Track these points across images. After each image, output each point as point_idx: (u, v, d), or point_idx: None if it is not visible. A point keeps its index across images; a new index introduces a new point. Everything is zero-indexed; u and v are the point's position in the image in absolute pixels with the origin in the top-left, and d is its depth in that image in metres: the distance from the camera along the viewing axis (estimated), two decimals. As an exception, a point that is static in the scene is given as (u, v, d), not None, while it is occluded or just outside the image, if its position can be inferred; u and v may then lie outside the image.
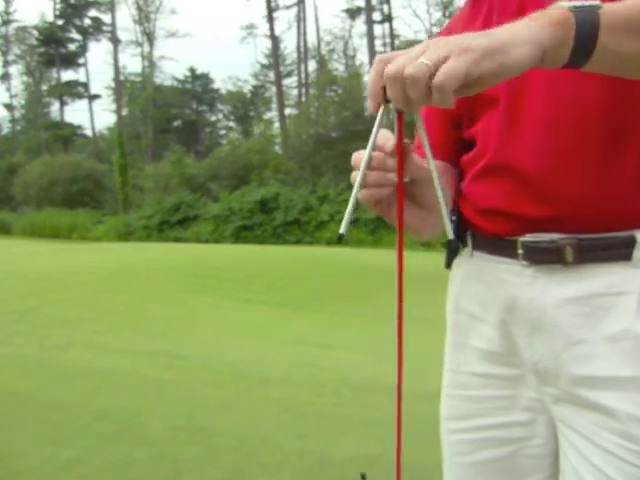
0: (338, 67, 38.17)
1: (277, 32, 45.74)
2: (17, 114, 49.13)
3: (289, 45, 74.98)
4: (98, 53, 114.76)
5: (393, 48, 33.94)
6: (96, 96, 45.91)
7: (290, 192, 22.81)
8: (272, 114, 41.27)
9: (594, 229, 0.82)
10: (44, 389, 3.53)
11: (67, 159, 32.45)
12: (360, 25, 46.65)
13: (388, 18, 37.05)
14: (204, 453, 2.73)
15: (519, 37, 0.62)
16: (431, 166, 0.68)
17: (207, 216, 23.11)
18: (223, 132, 45.44)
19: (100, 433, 2.89)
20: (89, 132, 45.51)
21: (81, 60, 45.41)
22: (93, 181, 31.56)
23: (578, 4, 0.66)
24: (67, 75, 53.57)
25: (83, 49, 45.48)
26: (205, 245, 17.99)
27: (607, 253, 0.82)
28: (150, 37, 43.09)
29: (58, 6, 44.02)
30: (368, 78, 0.65)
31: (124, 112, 41.97)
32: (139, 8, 42.63)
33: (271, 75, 42.58)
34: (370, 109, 0.65)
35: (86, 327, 5.31)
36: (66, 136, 41.87)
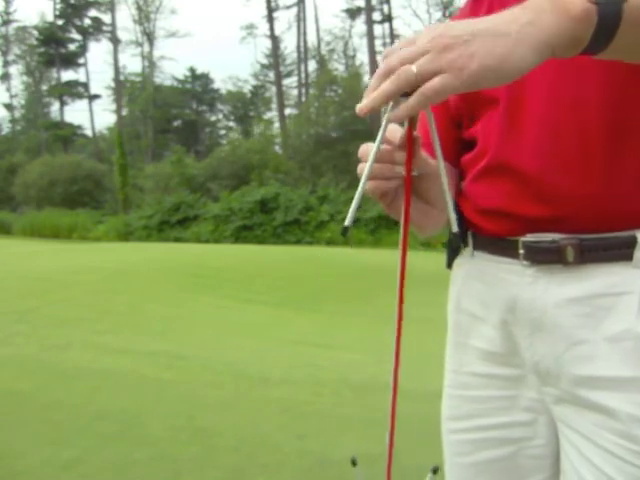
0: (338, 67, 38.22)
1: (277, 32, 45.86)
2: (17, 114, 49.17)
3: (289, 45, 75.10)
4: (98, 53, 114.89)
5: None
6: (96, 96, 45.96)
7: (290, 192, 22.82)
8: (272, 114, 41.32)
9: (595, 229, 0.82)
10: (44, 389, 3.53)
11: (67, 159, 32.46)
12: (360, 25, 46.71)
13: (388, 18, 37.06)
14: (204, 453, 2.73)
15: (526, 40, 0.60)
16: (438, 153, 0.69)
17: (207, 216, 23.12)
18: (223, 132, 45.49)
19: (100, 433, 2.89)
20: (89, 132, 45.57)
21: (81, 60, 45.45)
22: (93, 181, 31.57)
23: None
24: (67, 75, 53.67)
25: (83, 49, 45.50)
26: (205, 245, 18.00)
27: (608, 253, 0.81)
28: (150, 37, 43.10)
29: (58, 6, 44.05)
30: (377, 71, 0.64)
31: (124, 112, 41.97)
32: (139, 8, 42.65)
33: (271, 75, 42.60)
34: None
35: (86, 327, 5.31)
36: (66, 136, 41.87)
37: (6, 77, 47.14)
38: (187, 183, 26.93)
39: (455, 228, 0.72)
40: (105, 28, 44.67)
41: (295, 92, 41.09)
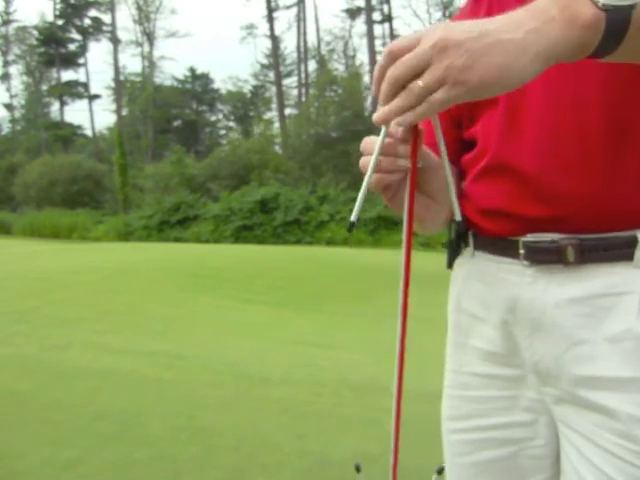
0: (338, 67, 38.21)
1: (277, 32, 45.87)
2: (17, 114, 49.17)
3: (289, 45, 75.05)
4: (98, 53, 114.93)
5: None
6: (96, 96, 45.95)
7: (290, 192, 22.81)
8: (272, 114, 41.31)
9: (596, 229, 0.82)
10: (44, 389, 3.53)
11: (67, 159, 32.45)
12: (360, 25, 46.71)
13: (388, 18, 37.06)
14: (204, 453, 2.73)
15: (530, 50, 0.61)
16: (440, 141, 0.70)
17: (207, 216, 23.11)
18: (223, 132, 45.49)
19: (100, 433, 2.89)
20: (89, 132, 45.57)
21: (81, 60, 45.45)
22: (93, 181, 31.57)
23: (617, 2, 0.60)
24: (67, 75, 53.71)
25: (83, 49, 45.50)
26: (205, 245, 17.99)
27: (609, 253, 0.81)
28: (150, 37, 43.10)
29: (58, 6, 44.05)
30: (376, 67, 0.67)
31: (124, 112, 41.97)
32: (139, 8, 42.65)
33: (271, 75, 42.59)
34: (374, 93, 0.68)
35: (86, 327, 5.31)
36: (66, 136, 41.88)
37: (6, 77, 47.17)
38: (187, 183, 26.92)
39: (459, 216, 0.73)
40: (105, 28, 44.71)
41: (295, 92, 41.12)
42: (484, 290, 0.94)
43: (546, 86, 0.83)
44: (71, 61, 45.17)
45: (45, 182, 30.34)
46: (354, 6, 39.90)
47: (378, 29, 37.28)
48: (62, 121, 44.14)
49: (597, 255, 0.82)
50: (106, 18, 44.26)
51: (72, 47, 45.58)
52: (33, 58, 46.02)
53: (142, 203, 26.60)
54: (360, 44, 44.48)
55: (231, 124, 45.27)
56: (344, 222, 20.92)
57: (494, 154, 0.89)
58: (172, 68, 63.64)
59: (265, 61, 44.54)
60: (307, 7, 58.99)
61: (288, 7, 39.18)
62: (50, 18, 44.52)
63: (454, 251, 1.01)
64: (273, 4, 37.72)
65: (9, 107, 48.08)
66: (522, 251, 0.87)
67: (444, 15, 35.08)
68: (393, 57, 0.64)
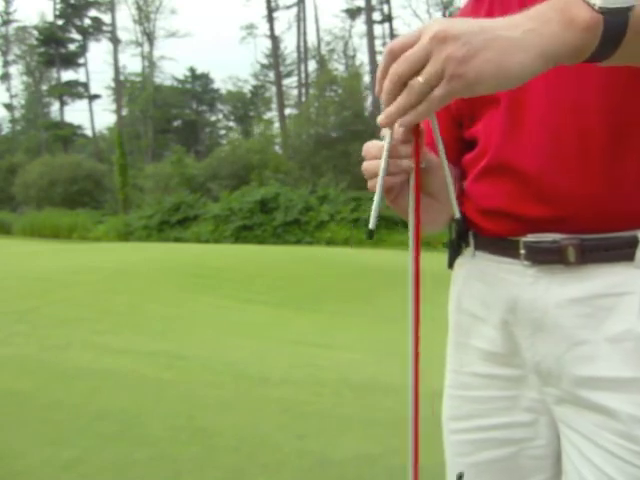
0: (338, 67, 38.25)
1: (277, 32, 45.90)
2: (17, 114, 49.19)
3: (289, 45, 75.16)
4: (98, 53, 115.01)
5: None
6: (96, 96, 45.99)
7: (290, 192, 22.83)
8: (272, 114, 41.35)
9: (596, 229, 0.82)
10: (44, 389, 3.52)
11: (67, 159, 32.48)
12: (360, 25, 46.77)
13: (388, 18, 37.09)
14: (204, 453, 2.73)
15: (527, 48, 0.61)
16: (437, 140, 0.71)
17: (207, 216, 23.13)
18: (223, 132, 45.53)
19: (100, 433, 2.89)
20: (89, 132, 45.61)
21: (81, 60, 45.48)
22: (93, 181, 31.59)
23: (613, 5, 0.61)
24: (67, 75, 53.71)
25: (83, 49, 45.53)
26: (205, 245, 18.00)
27: (610, 253, 0.81)
28: (150, 37, 43.12)
29: (58, 6, 44.09)
30: (378, 67, 0.67)
31: (124, 112, 41.98)
32: (139, 8, 42.68)
33: (271, 75, 42.61)
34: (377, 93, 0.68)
35: (86, 327, 5.31)
36: (66, 136, 41.90)
37: (6, 77, 47.19)
38: (187, 183, 26.94)
39: (457, 214, 0.73)
40: (105, 28, 44.75)
41: (295, 92, 41.15)
42: (484, 290, 0.94)
43: (548, 89, 0.83)
44: (71, 61, 45.20)
45: (45, 182, 30.36)
46: (354, 6, 39.94)
47: (378, 29, 37.34)
48: (62, 121, 44.15)
49: (598, 255, 0.82)
50: (106, 18, 44.37)
51: (72, 47, 45.64)
52: (33, 58, 46.04)
53: (142, 203, 26.61)
54: (360, 44, 44.56)
55: (231, 124, 45.33)
56: (344, 222, 20.94)
57: (495, 154, 0.89)
58: (172, 68, 63.82)
59: (265, 61, 44.60)
60: (307, 7, 59.07)
61: (288, 7, 39.23)
62: (50, 18, 44.63)
63: (455, 251, 1.01)
64: (273, 4, 37.77)
65: (9, 107, 48.12)
66: (523, 251, 0.87)
67: (444, 15, 35.10)
68: (394, 55, 0.64)
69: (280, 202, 22.27)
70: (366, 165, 0.77)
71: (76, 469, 2.50)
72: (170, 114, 42.61)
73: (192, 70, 45.06)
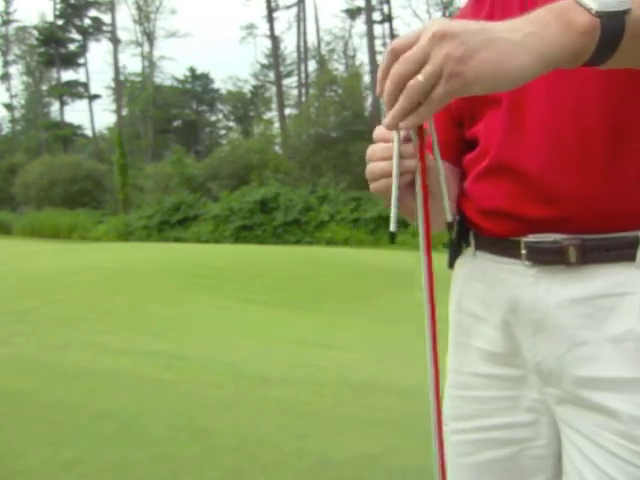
0: (338, 67, 38.27)
1: (277, 32, 45.87)
2: (17, 114, 49.21)
3: (289, 45, 75.16)
4: (98, 53, 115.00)
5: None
6: (96, 96, 45.99)
7: (290, 192, 22.83)
8: (272, 114, 41.36)
9: (597, 229, 0.82)
10: (44, 389, 3.52)
11: (67, 159, 32.48)
12: (360, 25, 46.77)
13: (388, 18, 37.09)
14: (204, 453, 2.73)
15: (527, 50, 0.61)
16: (434, 142, 0.72)
17: (207, 216, 23.13)
18: (223, 132, 45.54)
19: (100, 433, 2.89)
20: (89, 132, 45.62)
21: (81, 60, 45.48)
22: (93, 181, 31.59)
23: (609, 9, 0.61)
24: (67, 75, 53.66)
25: (83, 49, 45.53)
26: (205, 245, 18.00)
27: (611, 254, 0.81)
28: (150, 37, 43.13)
29: (58, 6, 44.09)
30: (379, 68, 0.68)
31: (124, 112, 41.99)
32: (139, 8, 42.69)
33: (271, 75, 42.62)
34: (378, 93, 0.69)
35: (86, 327, 5.31)
36: (66, 136, 41.90)
37: (6, 77, 47.20)
38: (187, 183, 26.95)
39: (449, 217, 0.74)
40: (105, 28, 44.76)
41: (295, 92, 41.16)
42: (485, 290, 0.94)
43: (548, 91, 0.84)
44: (71, 61, 45.20)
45: (45, 182, 30.36)
46: (354, 6, 39.94)
47: (378, 29, 37.34)
48: (62, 121, 44.16)
49: (599, 255, 0.82)
50: (106, 18, 44.37)
51: (72, 47, 45.64)
52: (33, 58, 46.05)
53: (142, 203, 26.62)
54: (360, 44, 44.56)
55: (231, 124, 45.34)
56: (344, 222, 20.94)
57: (496, 154, 0.89)
58: (172, 68, 63.63)
59: (265, 61, 44.60)
60: (307, 7, 59.06)
61: (288, 7, 39.23)
62: (50, 18, 44.63)
63: (455, 251, 1.01)
64: (273, 4, 37.78)
65: (9, 107, 48.13)
66: (524, 251, 0.87)
67: (444, 15, 35.11)
68: (395, 55, 0.65)
69: (280, 202, 22.27)
70: (371, 167, 0.77)
71: (76, 469, 2.50)
72: (170, 114, 42.62)
73: (192, 70, 45.08)
